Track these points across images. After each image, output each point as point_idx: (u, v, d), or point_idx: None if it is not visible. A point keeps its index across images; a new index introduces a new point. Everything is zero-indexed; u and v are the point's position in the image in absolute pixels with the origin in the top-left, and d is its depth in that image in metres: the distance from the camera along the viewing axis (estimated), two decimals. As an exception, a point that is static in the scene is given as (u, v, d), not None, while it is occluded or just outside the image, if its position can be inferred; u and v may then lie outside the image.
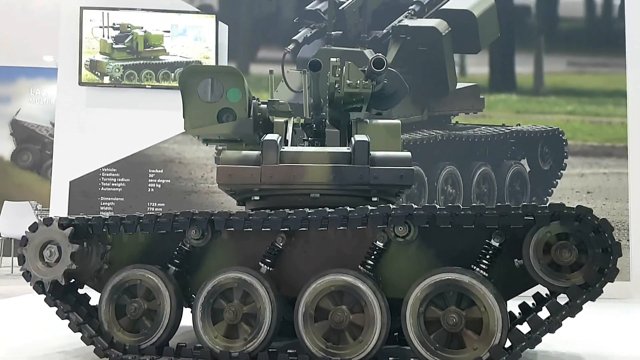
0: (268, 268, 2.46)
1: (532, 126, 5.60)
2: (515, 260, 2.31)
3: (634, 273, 5.43)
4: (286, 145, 2.78)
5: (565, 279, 2.22)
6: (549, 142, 5.61)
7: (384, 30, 5.53)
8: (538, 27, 5.82)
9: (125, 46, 5.27)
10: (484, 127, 5.53)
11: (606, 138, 5.69)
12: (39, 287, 2.48)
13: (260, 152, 2.55)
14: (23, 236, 2.52)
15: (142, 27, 5.25)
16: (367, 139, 2.54)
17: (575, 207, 2.20)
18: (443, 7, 5.58)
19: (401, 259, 2.42)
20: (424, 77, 5.43)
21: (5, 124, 9.95)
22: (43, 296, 2.54)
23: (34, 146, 9.92)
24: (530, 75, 5.77)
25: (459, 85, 5.57)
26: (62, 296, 2.56)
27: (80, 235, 2.50)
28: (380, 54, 2.60)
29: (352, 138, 2.61)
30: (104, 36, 5.26)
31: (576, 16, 5.84)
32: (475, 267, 2.29)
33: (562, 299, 2.26)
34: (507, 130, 5.52)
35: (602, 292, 2.17)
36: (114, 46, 5.28)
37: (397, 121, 2.88)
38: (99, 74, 5.31)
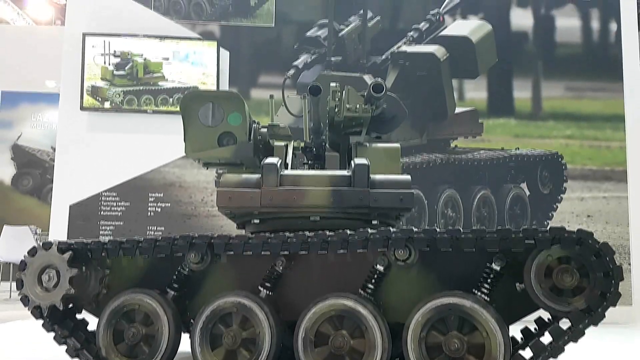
0: (268, 292, 2.44)
1: (531, 150, 5.62)
2: (517, 284, 2.29)
3: (636, 298, 5.38)
4: (286, 168, 2.79)
5: (567, 304, 2.20)
6: (548, 166, 5.62)
7: (383, 56, 5.59)
8: (536, 52, 5.89)
9: (125, 73, 5.38)
10: (483, 151, 5.55)
11: (605, 162, 5.71)
12: (36, 312, 2.45)
13: (260, 175, 2.55)
14: (22, 260, 2.51)
15: (142, 55, 5.37)
16: (367, 162, 2.55)
17: (575, 230, 2.20)
18: (441, 33, 5.66)
19: (402, 282, 2.40)
20: (423, 102, 5.48)
21: (6, 148, 9.99)
22: (41, 321, 2.51)
23: (35, 170, 9.94)
24: (528, 100, 5.82)
25: (458, 110, 5.61)
26: (60, 321, 2.54)
27: (79, 260, 2.49)
28: (379, 79, 2.63)
29: (352, 161, 2.62)
30: (105, 63, 5.36)
31: (573, 42, 5.91)
32: (476, 291, 2.28)
33: (565, 324, 2.24)
34: (507, 154, 5.53)
35: (605, 316, 2.16)
36: (115, 73, 5.39)
37: (397, 145, 2.89)
38: (100, 99, 5.39)
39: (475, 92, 5.75)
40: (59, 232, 5.34)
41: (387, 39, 5.65)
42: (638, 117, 5.73)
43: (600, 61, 5.88)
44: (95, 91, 5.35)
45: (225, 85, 5.59)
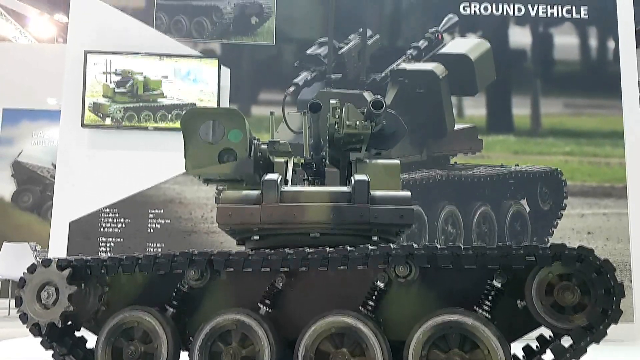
0: (267, 309, 2.43)
1: (531, 166, 5.63)
2: (518, 301, 2.28)
3: (637, 315, 5.35)
4: (286, 184, 2.79)
5: (568, 321, 2.19)
6: (548, 183, 5.63)
7: (383, 73, 5.64)
8: (534, 70, 5.93)
9: (126, 90, 5.48)
10: (482, 167, 5.56)
11: (605, 179, 5.72)
12: (35, 329, 2.44)
13: (260, 191, 2.56)
14: (21, 277, 2.50)
15: (142, 73, 5.48)
16: (367, 179, 2.55)
17: (576, 247, 2.20)
18: (440, 51, 5.71)
19: (402, 300, 2.39)
20: (422, 119, 5.50)
21: (7, 165, 10.01)
22: (39, 339, 2.50)
23: (35, 187, 9.95)
24: (527, 117, 5.84)
25: (457, 127, 5.63)
26: (59, 339, 2.52)
27: (79, 277, 2.48)
28: (379, 96, 2.65)
29: (352, 177, 2.63)
30: (107, 81, 5.45)
31: (571, 59, 5.96)
32: (477, 309, 2.27)
33: (566, 341, 2.22)
34: (506, 171, 5.54)
35: (606, 334, 2.14)
36: (116, 90, 5.48)
37: (397, 161, 2.90)
38: (101, 116, 5.45)
39: (475, 109, 5.78)
40: (58, 248, 5.33)
41: (387, 57, 5.70)
42: (637, 134, 5.75)
43: (598, 78, 5.92)
44: (97, 107, 5.44)
45: (226, 102, 5.62)
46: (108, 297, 2.60)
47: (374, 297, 2.37)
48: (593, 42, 5.95)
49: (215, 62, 5.57)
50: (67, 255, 5.20)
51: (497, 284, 2.28)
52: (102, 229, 5.42)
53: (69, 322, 2.53)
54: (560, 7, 5.92)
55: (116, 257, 2.51)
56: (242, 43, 5.77)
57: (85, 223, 5.42)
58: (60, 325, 2.41)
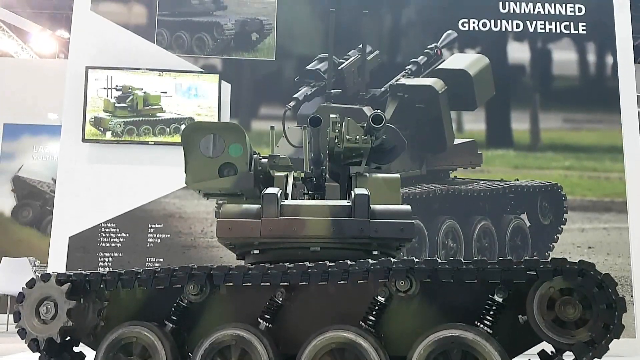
0: (267, 324, 2.41)
1: (531, 181, 5.64)
2: (519, 316, 2.27)
3: (639, 330, 5.32)
4: (286, 198, 2.79)
5: (570, 336, 2.18)
6: (548, 197, 5.63)
7: (382, 89, 5.67)
8: (533, 85, 5.96)
9: (126, 105, 5.55)
10: (482, 182, 5.56)
11: (605, 193, 5.71)
12: (33, 345, 2.42)
13: (260, 205, 2.55)
14: (20, 292, 2.49)
15: (142, 89, 5.56)
16: (367, 193, 2.55)
17: (577, 261, 2.19)
18: (439, 67, 5.74)
19: (403, 314, 2.38)
20: (422, 133, 5.52)
21: (7, 180, 10.01)
22: (38, 354, 2.48)
23: (35, 202, 9.94)
24: (526, 132, 5.86)
25: (457, 141, 5.64)
26: (57, 354, 2.50)
27: (78, 292, 2.47)
28: (378, 111, 2.66)
29: (352, 191, 2.63)
30: (107, 96, 5.53)
31: (570, 75, 5.99)
32: (479, 324, 2.25)
33: (568, 357, 2.21)
34: (506, 185, 5.54)
35: (609, 349, 2.13)
36: (117, 105, 5.55)
37: (397, 175, 2.90)
38: (102, 129, 5.52)
39: (474, 123, 5.80)
40: (57, 263, 5.30)
41: (386, 72, 5.73)
42: (636, 149, 5.76)
43: (597, 93, 5.95)
44: (98, 122, 5.50)
45: (226, 117, 5.64)
46: (107, 312, 2.59)
47: (374, 312, 2.35)
48: (591, 58, 5.99)
49: (216, 77, 5.61)
50: (66, 270, 5.18)
51: (498, 298, 2.27)
52: (101, 244, 5.41)
53: (68, 338, 2.52)
54: (558, 23, 5.97)
55: (115, 272, 2.50)
56: (242, 59, 5.81)
57: (84, 238, 5.41)
58: (58, 341, 2.39)
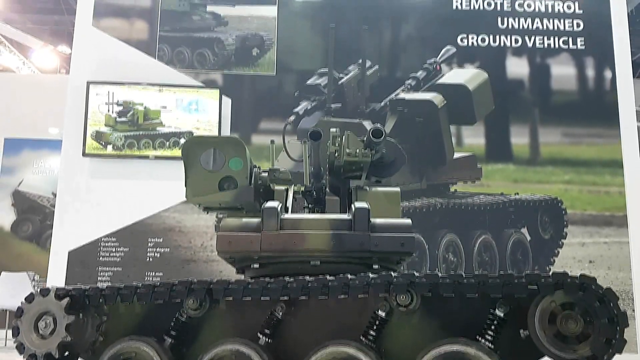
0: (267, 339, 2.39)
1: (531, 195, 5.63)
2: (521, 330, 2.25)
3: (643, 345, 5.27)
4: (287, 212, 2.79)
5: (572, 351, 2.16)
6: (548, 211, 5.62)
7: (382, 103, 5.69)
8: (532, 100, 5.99)
9: (127, 119, 5.59)
10: (482, 196, 5.56)
11: (605, 207, 5.71)
12: (31, 360, 2.40)
13: (260, 219, 2.55)
14: (19, 307, 2.47)
15: (142, 104, 5.62)
16: (367, 206, 2.55)
17: (578, 276, 2.18)
18: (438, 81, 5.78)
19: (404, 329, 2.36)
20: (421, 147, 5.53)
21: (8, 194, 10.00)
22: (35, 370, 2.45)
23: (35, 216, 9.92)
24: (526, 146, 5.87)
25: (457, 155, 5.65)
26: (55, 370, 2.48)
27: (77, 306, 2.46)
28: (378, 124, 2.67)
29: (352, 205, 2.62)
30: (109, 111, 5.58)
31: (569, 89, 6.02)
32: (480, 338, 2.24)
33: (571, 372, 2.19)
34: (506, 199, 5.54)
35: (611, 364, 2.11)
36: (118, 119, 5.58)
37: (397, 189, 2.90)
38: (103, 143, 5.56)
39: (474, 138, 5.82)
40: (57, 278, 5.28)
41: (386, 87, 5.76)
42: (636, 163, 5.77)
43: (596, 108, 5.97)
44: (99, 136, 5.55)
45: (227, 131, 5.66)
46: (106, 327, 2.57)
47: (375, 327, 2.34)
48: (590, 72, 6.02)
49: (217, 92, 5.64)
50: (65, 284, 5.15)
51: (499, 313, 2.25)
52: (101, 258, 5.39)
53: (66, 353, 2.49)
54: (557, 38, 6.01)
55: (114, 287, 2.49)
56: (243, 73, 5.85)
57: (84, 252, 5.39)
58: (57, 356, 2.37)
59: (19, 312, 2.46)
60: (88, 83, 5.57)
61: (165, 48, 5.81)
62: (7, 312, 7.39)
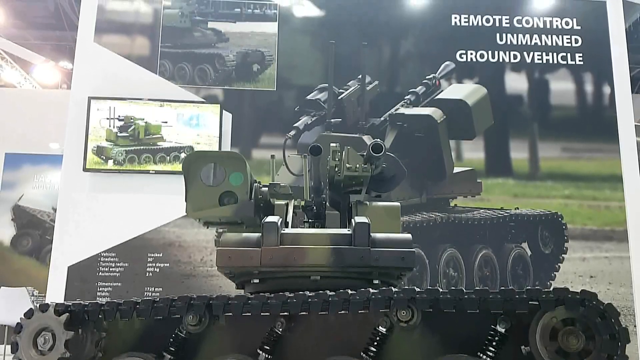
0: (267, 356, 2.38)
1: (531, 210, 5.63)
2: (522, 347, 2.24)
3: (645, 361, 5.23)
4: (287, 227, 2.79)
5: (574, 367, 2.15)
6: (549, 226, 5.62)
7: (382, 118, 5.72)
8: (531, 115, 6.01)
9: (128, 134, 5.62)
10: (482, 210, 5.56)
11: (605, 222, 5.71)
12: (29, 376, 2.38)
13: (260, 234, 2.55)
14: (18, 323, 2.46)
15: (143, 119, 5.66)
16: (367, 221, 2.55)
17: (579, 291, 2.17)
18: (438, 97, 5.81)
19: (405, 345, 2.35)
20: (421, 162, 5.55)
21: (8, 209, 10.00)
22: (33, 386, 2.44)
23: (34, 231, 9.90)
24: (525, 161, 5.89)
25: (456, 170, 5.67)
26: (53, 386, 2.46)
27: (76, 322, 2.44)
28: (378, 140, 2.68)
29: (352, 220, 2.62)
30: (110, 126, 5.60)
31: (568, 104, 6.05)
32: (482, 355, 2.22)
33: (573, 388, 2.17)
34: (506, 214, 5.54)
35: (613, 380, 2.10)
36: (119, 134, 5.60)
37: (397, 203, 2.90)
38: (104, 158, 5.59)
39: (473, 152, 5.84)
40: (56, 293, 5.26)
41: (385, 102, 5.79)
42: (635, 177, 5.78)
43: (595, 123, 6.00)
44: (100, 151, 5.59)
45: (227, 146, 5.68)
46: (105, 343, 2.55)
47: (375, 343, 2.32)
48: (589, 88, 6.06)
49: (218, 107, 5.67)
50: (64, 300, 5.13)
51: (500, 329, 2.24)
52: (100, 274, 5.37)
53: (65, 369, 2.48)
54: (555, 54, 6.06)
55: (114, 302, 2.48)
56: (244, 89, 5.88)
57: (84, 267, 5.38)
58: (55, 372, 2.35)
59: (18, 328, 2.44)
60: (89, 98, 5.60)
61: (166, 64, 5.85)
62: (6, 328, 7.35)
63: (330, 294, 2.31)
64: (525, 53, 6.04)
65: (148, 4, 6.02)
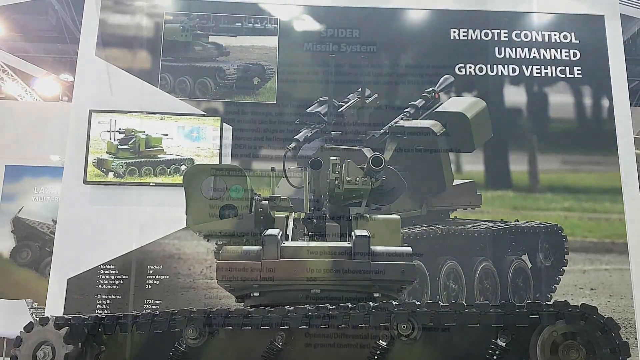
0: (267, 369, 2.37)
1: (531, 222, 5.63)
2: (523, 360, 2.24)
3: (647, 375, 5.21)
4: (287, 239, 2.79)
5: (575, 381, 2.14)
6: (549, 238, 5.61)
7: (381, 131, 5.74)
8: (530, 127, 6.03)
9: (128, 147, 5.65)
10: (482, 222, 5.56)
11: (605, 234, 5.70)
12: (28, 390, 2.37)
13: (261, 247, 2.55)
14: (17, 336, 2.45)
15: (144, 131, 5.70)
16: (367, 234, 2.56)
17: (579, 305, 2.17)
18: (437, 109, 5.83)
19: (406, 359, 2.34)
20: (421, 174, 5.56)
21: (8, 221, 9.99)
22: (32, 400, 2.43)
23: (34, 243, 9.89)
24: (525, 173, 5.89)
25: (456, 182, 5.67)
26: (52, 400, 2.44)
27: (76, 336, 2.44)
28: (378, 153, 2.69)
29: (353, 233, 2.63)
30: (110, 139, 5.63)
31: (567, 117, 6.07)
32: (482, 368, 2.22)
33: (574, 402, 2.16)
34: (506, 226, 5.54)
35: (615, 394, 2.09)
36: (119, 147, 5.63)
37: (397, 216, 2.91)
38: (104, 170, 5.60)
39: (473, 165, 5.84)
40: (55, 306, 5.24)
41: (385, 115, 5.81)
42: (635, 190, 5.78)
43: (594, 135, 6.01)
44: (101, 163, 5.60)
45: (227, 159, 5.69)
46: (104, 357, 2.55)
47: (376, 357, 2.32)
48: (588, 100, 6.08)
49: (218, 120, 5.70)
50: (64, 313, 5.11)
51: (501, 342, 2.24)
52: (99, 286, 5.36)
53: (64, 383, 2.47)
54: (554, 67, 6.09)
55: (114, 316, 2.47)
56: (244, 102, 5.91)
57: (83, 280, 5.36)
58: (54, 386, 2.35)
59: (18, 341, 2.44)
60: (90, 111, 5.62)
61: (167, 77, 5.88)
62: (5, 340, 7.31)
63: (330, 307, 2.31)
64: (524, 66, 6.08)
65: (150, 18, 6.06)
